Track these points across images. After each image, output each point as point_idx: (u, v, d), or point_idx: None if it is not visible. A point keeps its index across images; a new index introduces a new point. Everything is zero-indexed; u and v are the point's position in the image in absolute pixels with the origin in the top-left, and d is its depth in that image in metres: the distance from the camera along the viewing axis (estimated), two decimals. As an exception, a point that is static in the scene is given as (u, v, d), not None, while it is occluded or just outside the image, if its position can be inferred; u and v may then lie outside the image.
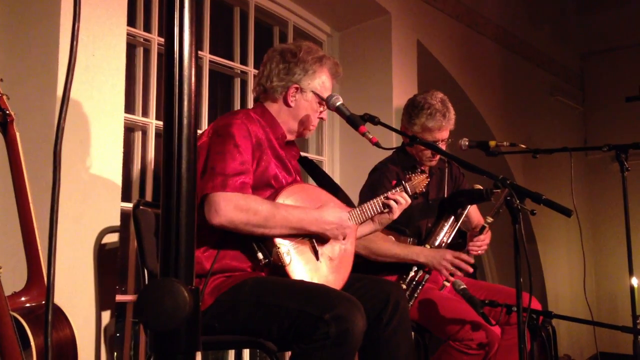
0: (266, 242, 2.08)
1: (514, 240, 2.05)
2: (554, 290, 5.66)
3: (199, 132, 2.84)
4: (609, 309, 6.04)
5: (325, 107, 2.36)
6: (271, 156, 2.22)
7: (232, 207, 1.99)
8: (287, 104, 2.31)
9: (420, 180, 2.56)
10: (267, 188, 2.17)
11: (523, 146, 3.02)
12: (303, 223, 2.12)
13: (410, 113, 2.94)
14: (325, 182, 2.54)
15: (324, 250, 2.23)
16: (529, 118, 5.74)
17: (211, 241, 2.08)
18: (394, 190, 2.45)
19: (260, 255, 2.07)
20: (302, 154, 2.57)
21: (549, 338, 2.41)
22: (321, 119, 2.40)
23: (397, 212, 2.42)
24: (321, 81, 2.33)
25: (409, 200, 2.45)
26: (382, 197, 2.42)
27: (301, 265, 2.14)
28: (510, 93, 5.49)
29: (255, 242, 2.08)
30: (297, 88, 2.30)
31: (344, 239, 2.27)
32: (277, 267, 2.09)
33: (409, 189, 2.48)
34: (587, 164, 6.55)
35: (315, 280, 2.15)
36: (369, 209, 2.39)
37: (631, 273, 3.07)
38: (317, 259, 2.20)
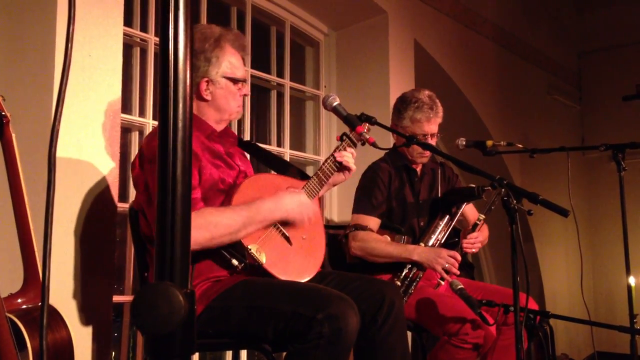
0: (237, 247, 2.04)
1: (511, 240, 2.05)
2: (552, 289, 5.67)
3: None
4: (606, 309, 6.05)
5: (245, 83, 2.29)
6: (210, 159, 2.16)
7: (192, 229, 1.95)
8: (203, 99, 2.23)
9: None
10: (218, 194, 2.13)
11: (520, 146, 3.02)
12: (265, 214, 2.07)
13: (399, 108, 2.99)
14: (271, 161, 2.52)
15: (294, 233, 2.20)
16: (526, 117, 5.75)
17: None
18: (339, 147, 2.39)
19: (235, 262, 2.03)
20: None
21: (546, 338, 2.42)
22: (245, 96, 2.32)
23: (352, 169, 2.38)
24: (228, 63, 2.23)
25: (354, 153, 2.40)
26: (331, 158, 2.36)
27: (278, 257, 2.12)
28: (508, 92, 5.50)
29: (225, 250, 2.04)
30: (207, 81, 2.21)
31: (308, 223, 2.21)
32: (255, 268, 2.07)
33: (354, 139, 2.42)
34: (584, 163, 6.55)
35: (296, 266, 2.15)
36: (324, 174, 2.35)
37: (628, 272, 3.07)
38: (291, 244, 2.18)
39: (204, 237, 1.95)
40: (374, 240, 2.79)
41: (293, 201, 2.15)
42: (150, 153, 2.06)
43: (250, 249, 2.04)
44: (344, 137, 2.41)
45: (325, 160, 2.37)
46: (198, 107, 2.24)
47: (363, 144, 2.44)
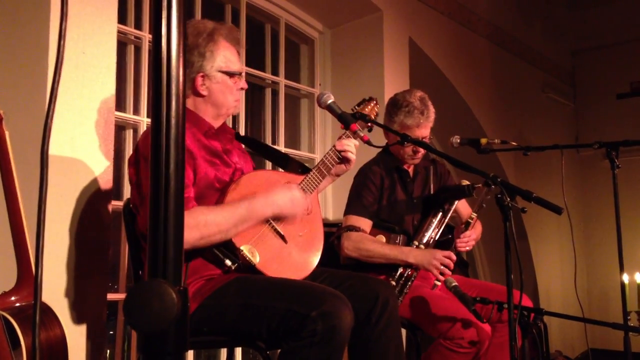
0: (229, 247, 2.03)
1: (505, 237, 2.06)
2: (546, 287, 5.68)
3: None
4: (600, 306, 6.07)
5: (241, 77, 2.27)
6: (206, 157, 2.15)
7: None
8: (199, 95, 2.21)
9: (369, 110, 2.52)
10: (214, 192, 2.12)
11: (514, 143, 3.02)
12: (256, 211, 2.05)
13: (390, 112, 2.97)
14: (270, 155, 2.50)
15: (290, 230, 2.18)
16: (521, 115, 5.76)
17: None
18: (343, 137, 2.38)
19: (228, 262, 2.02)
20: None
21: (540, 335, 2.42)
22: (242, 89, 2.29)
23: (352, 160, 2.37)
24: (223, 57, 2.20)
25: (357, 144, 2.38)
26: (332, 148, 2.35)
27: (271, 256, 2.11)
28: (502, 90, 5.51)
29: (217, 249, 2.03)
30: (202, 76, 2.18)
31: (308, 214, 2.21)
32: (249, 268, 2.05)
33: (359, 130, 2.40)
34: (578, 161, 6.57)
35: (292, 265, 2.14)
36: (324, 167, 2.33)
37: (622, 270, 3.07)
38: (286, 242, 2.16)
39: (193, 237, 1.92)
40: (369, 241, 2.78)
41: (285, 197, 2.12)
42: (146, 150, 2.04)
43: (242, 250, 2.03)
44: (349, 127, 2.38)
45: (327, 152, 2.35)
46: (195, 104, 2.22)
47: (370, 130, 2.43)
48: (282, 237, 2.16)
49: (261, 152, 2.55)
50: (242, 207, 2.03)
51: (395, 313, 2.24)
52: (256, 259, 2.05)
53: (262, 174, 2.31)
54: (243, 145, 2.46)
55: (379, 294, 2.19)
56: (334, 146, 2.35)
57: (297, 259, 2.18)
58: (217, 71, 2.19)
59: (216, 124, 2.27)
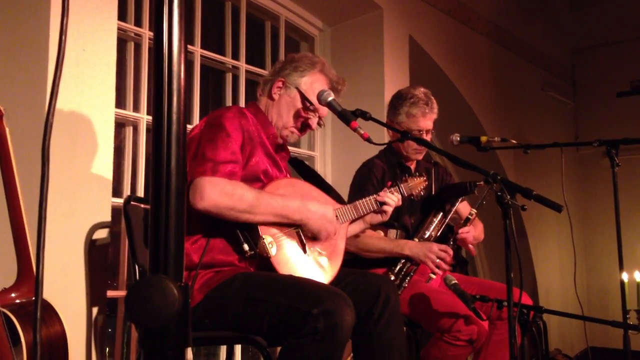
0: (252, 233, 2.08)
1: (505, 235, 2.06)
2: (545, 284, 5.69)
3: (190, 127, 2.84)
4: (599, 304, 6.07)
5: (317, 115, 2.34)
6: (262, 152, 2.22)
7: (218, 192, 1.99)
8: (271, 98, 2.33)
9: (416, 183, 2.59)
10: (257, 182, 2.17)
11: (514, 142, 3.02)
12: (287, 210, 2.12)
13: (395, 104, 3.00)
14: (317, 181, 2.54)
15: (312, 243, 2.23)
16: (520, 113, 5.76)
17: (199, 233, 2.09)
18: (386, 189, 2.47)
19: (246, 247, 2.06)
20: (293, 151, 2.57)
21: (539, 333, 2.42)
22: (309, 126, 2.36)
23: (389, 214, 2.45)
24: (309, 82, 2.32)
25: (399, 202, 2.48)
26: (374, 196, 2.43)
27: (287, 257, 2.13)
28: (502, 88, 5.51)
29: (240, 232, 2.07)
30: (282, 82, 2.32)
31: (326, 238, 2.25)
32: (263, 259, 2.09)
33: (403, 189, 2.51)
34: (578, 159, 6.56)
35: (302, 273, 2.15)
36: (362, 207, 2.40)
37: (621, 268, 3.07)
38: (305, 252, 2.19)
39: (225, 204, 2.00)
40: (367, 235, 2.79)
41: (318, 210, 2.19)
42: (212, 117, 2.16)
43: (263, 239, 2.07)
44: (395, 184, 2.51)
45: (367, 198, 2.43)
46: (266, 105, 2.35)
47: (411, 197, 2.60)
48: (304, 246, 2.20)
49: (307, 177, 2.58)
50: (277, 201, 2.11)
51: (397, 309, 2.25)
52: (272, 252, 2.08)
53: (303, 184, 2.38)
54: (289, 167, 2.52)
55: (381, 289, 2.20)
56: (376, 195, 2.43)
57: (310, 270, 2.20)
58: (295, 87, 2.31)
59: (278, 139, 2.34)
